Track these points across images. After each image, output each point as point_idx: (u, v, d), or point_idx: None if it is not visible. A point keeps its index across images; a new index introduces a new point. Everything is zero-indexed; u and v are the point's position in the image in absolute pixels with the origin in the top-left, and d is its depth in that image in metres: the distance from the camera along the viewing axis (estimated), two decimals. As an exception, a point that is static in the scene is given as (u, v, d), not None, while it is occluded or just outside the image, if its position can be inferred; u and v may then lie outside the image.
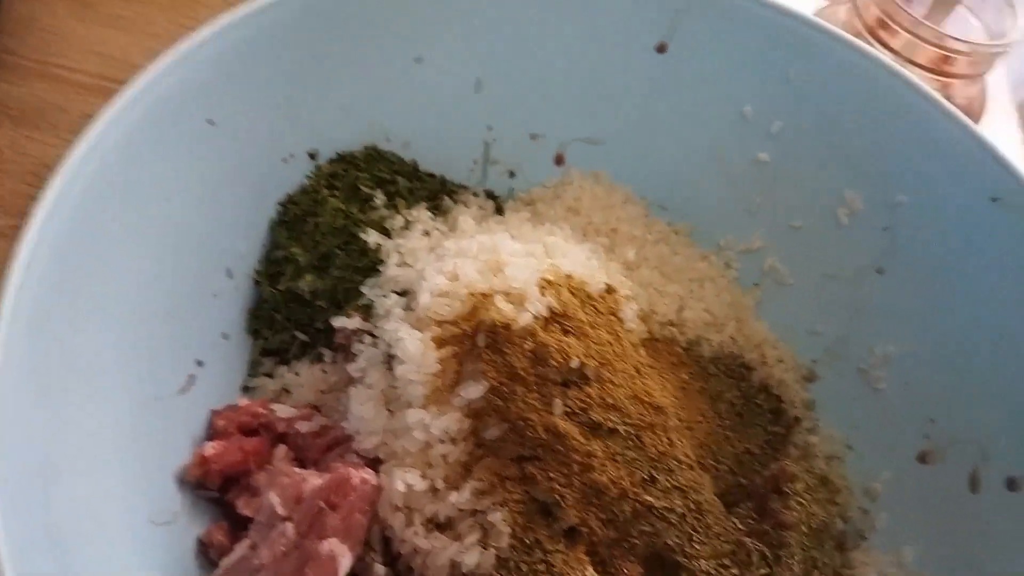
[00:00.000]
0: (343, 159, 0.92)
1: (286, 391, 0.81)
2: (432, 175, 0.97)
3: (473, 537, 0.64)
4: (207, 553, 0.70)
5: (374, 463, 0.70)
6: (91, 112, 1.14)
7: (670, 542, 0.66)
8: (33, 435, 0.57)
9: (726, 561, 0.68)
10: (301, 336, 0.83)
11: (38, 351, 0.59)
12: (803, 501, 0.72)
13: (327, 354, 0.82)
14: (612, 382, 0.69)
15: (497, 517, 0.64)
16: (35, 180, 1.03)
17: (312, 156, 0.91)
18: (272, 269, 0.85)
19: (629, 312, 0.77)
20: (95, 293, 0.67)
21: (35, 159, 1.04)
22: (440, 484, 0.66)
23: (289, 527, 0.62)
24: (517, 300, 0.72)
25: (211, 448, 0.71)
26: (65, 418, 0.61)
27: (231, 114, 0.80)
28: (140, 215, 0.72)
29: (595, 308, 0.74)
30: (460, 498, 0.65)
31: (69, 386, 0.62)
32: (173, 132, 0.75)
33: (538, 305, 0.70)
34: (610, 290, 0.77)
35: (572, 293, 0.73)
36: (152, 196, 0.74)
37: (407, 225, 0.88)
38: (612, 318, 0.74)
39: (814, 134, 0.94)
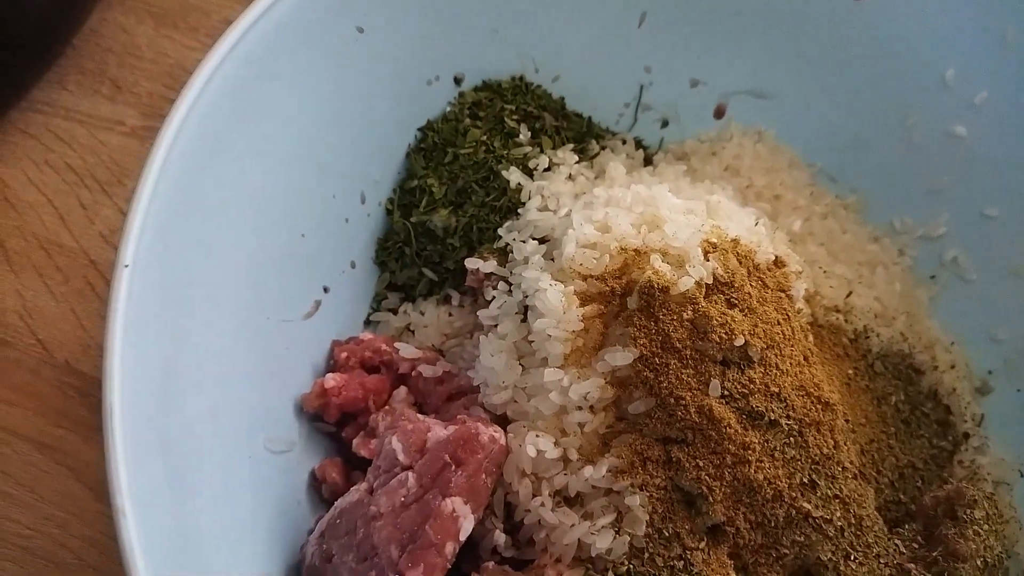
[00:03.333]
0: (488, 87, 0.85)
1: (409, 330, 0.77)
2: (579, 115, 0.89)
3: (606, 519, 0.58)
4: (319, 488, 0.66)
5: (501, 420, 0.64)
6: (232, 17, 1.11)
7: (823, 557, 0.59)
8: (158, 345, 0.54)
9: (885, 587, 0.60)
10: (429, 274, 0.78)
11: (167, 259, 0.56)
12: (981, 532, 0.63)
13: (455, 296, 0.77)
14: (778, 368, 0.61)
15: (635, 501, 0.58)
16: (172, 82, 1.00)
17: (457, 81, 0.84)
18: (405, 199, 0.80)
19: (799, 290, 0.68)
20: (227, 203, 0.63)
21: (173, 61, 1.01)
22: (574, 455, 0.60)
23: (411, 477, 0.57)
24: (676, 261, 0.64)
25: (332, 380, 0.67)
26: (190, 330, 0.58)
27: (381, 24, 0.74)
28: (277, 125, 0.68)
29: (762, 281, 0.65)
30: (595, 474, 0.59)
31: (196, 298, 0.59)
32: (318, 37, 0.70)
33: (701, 269, 0.62)
34: (779, 263, 0.68)
35: (739, 261, 0.65)
36: (290, 106, 0.69)
37: (551, 166, 0.81)
38: (781, 295, 0.65)
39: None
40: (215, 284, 0.61)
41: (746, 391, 0.59)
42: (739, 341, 0.60)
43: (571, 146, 0.84)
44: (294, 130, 0.70)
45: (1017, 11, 0.79)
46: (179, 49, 1.02)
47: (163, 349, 0.54)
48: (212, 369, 0.59)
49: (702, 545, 0.58)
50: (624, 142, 0.88)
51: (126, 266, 0.50)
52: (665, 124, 0.92)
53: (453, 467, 0.57)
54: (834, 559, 0.59)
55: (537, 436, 0.60)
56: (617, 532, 0.58)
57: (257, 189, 0.66)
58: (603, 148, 0.86)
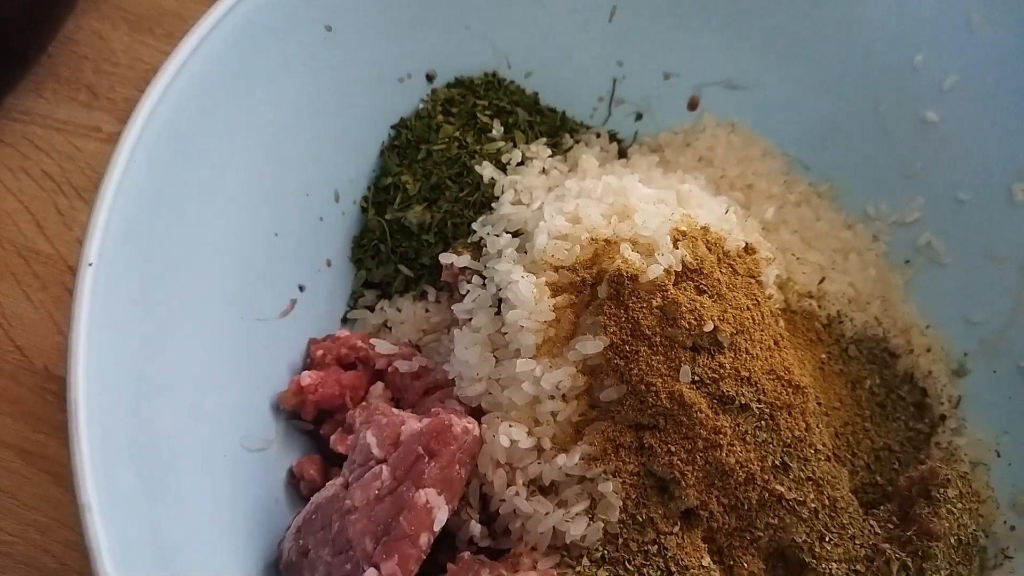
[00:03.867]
0: (461, 84, 0.86)
1: (386, 327, 0.77)
2: (553, 110, 0.89)
3: (580, 506, 0.58)
4: (297, 486, 0.67)
5: (475, 412, 0.64)
6: (207, 21, 1.10)
7: (798, 539, 0.59)
8: (125, 344, 0.54)
9: (859, 567, 0.60)
10: (405, 270, 0.78)
11: (134, 258, 0.56)
12: (954, 510, 0.63)
13: (431, 292, 0.77)
14: (748, 352, 0.61)
15: (608, 488, 0.58)
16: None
17: (430, 78, 0.84)
18: (380, 196, 0.80)
19: (769, 276, 0.68)
20: (197, 201, 0.63)
21: (149, 66, 1.01)
22: (547, 444, 0.61)
23: (385, 470, 0.57)
24: (646, 250, 0.64)
25: (308, 377, 0.67)
26: (160, 329, 0.58)
27: (350, 22, 0.74)
28: (246, 123, 0.68)
29: (732, 268, 0.66)
30: (568, 462, 0.59)
31: (166, 297, 0.59)
32: (287, 35, 0.70)
33: (670, 257, 0.62)
34: (749, 249, 0.68)
35: (708, 248, 0.65)
36: (259, 104, 0.69)
37: (524, 161, 0.81)
38: (751, 280, 0.66)
39: (994, 94, 0.82)
40: (186, 283, 0.61)
41: (716, 376, 0.60)
42: (708, 327, 0.60)
43: (544, 140, 0.84)
44: (264, 129, 0.70)
45: (983, -4, 0.79)
46: (154, 54, 1.02)
47: (131, 348, 0.54)
48: (185, 369, 0.59)
49: (676, 529, 0.58)
50: (598, 135, 0.88)
51: (90, 264, 0.50)
52: (639, 117, 0.93)
53: (426, 459, 0.57)
54: (809, 540, 0.60)
55: (510, 426, 0.60)
56: (591, 519, 0.58)
57: (228, 188, 0.66)
58: (577, 142, 0.87)
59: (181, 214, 0.61)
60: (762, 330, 0.63)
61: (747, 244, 0.69)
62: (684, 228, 0.66)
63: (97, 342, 0.50)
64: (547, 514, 0.58)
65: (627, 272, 0.61)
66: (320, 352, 0.71)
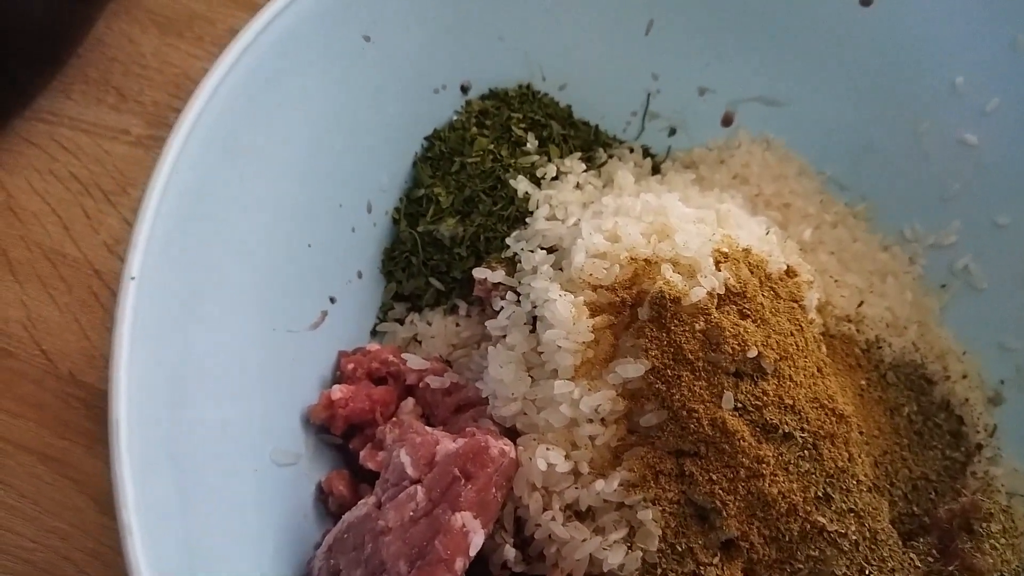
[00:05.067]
0: (495, 96, 0.85)
1: (416, 340, 0.76)
2: (586, 123, 0.88)
3: (618, 534, 0.57)
4: (326, 501, 0.66)
5: (510, 433, 0.63)
6: (237, 26, 1.10)
7: (838, 572, 0.58)
8: (164, 357, 0.54)
9: (901, 602, 0.59)
10: (436, 284, 0.77)
11: (173, 270, 0.55)
12: (997, 545, 0.62)
13: (462, 306, 0.76)
14: (792, 380, 0.60)
15: (647, 515, 0.57)
16: (177, 91, 1.00)
17: (464, 89, 0.83)
18: (412, 208, 0.79)
19: (812, 300, 0.67)
20: (234, 213, 0.63)
21: (178, 70, 1.01)
22: (585, 468, 0.59)
23: (420, 491, 0.56)
24: (688, 271, 0.63)
25: (338, 391, 0.66)
26: (196, 342, 0.57)
27: (388, 32, 0.73)
28: (283, 135, 0.67)
29: (774, 291, 0.64)
30: (607, 488, 0.58)
31: (203, 309, 0.59)
32: (326, 45, 0.69)
33: (713, 280, 0.61)
34: (791, 272, 0.67)
35: (750, 271, 0.64)
36: (296, 115, 0.69)
37: (558, 175, 0.80)
38: (794, 305, 0.65)
39: (1037, 118, 0.80)
40: (222, 295, 0.60)
41: (760, 403, 0.59)
42: (752, 352, 0.59)
43: (578, 154, 0.83)
44: (300, 140, 0.69)
45: (1030, 18, 0.78)
46: (184, 58, 1.02)
47: (169, 361, 0.54)
48: (219, 381, 0.59)
49: (716, 560, 0.57)
50: (632, 150, 0.87)
51: (132, 278, 0.50)
52: (673, 132, 0.92)
53: (463, 481, 0.56)
54: (849, 573, 0.58)
55: (548, 449, 0.59)
56: (629, 547, 0.57)
57: (263, 199, 0.65)
58: (611, 156, 0.86)
59: (219, 226, 0.60)
60: (805, 356, 0.62)
61: (788, 266, 0.67)
62: (726, 249, 0.65)
63: (139, 358, 0.49)
64: (584, 541, 0.57)
65: (669, 294, 0.60)
66: (351, 366, 0.70)
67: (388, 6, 0.72)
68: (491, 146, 0.80)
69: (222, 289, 0.60)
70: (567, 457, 0.59)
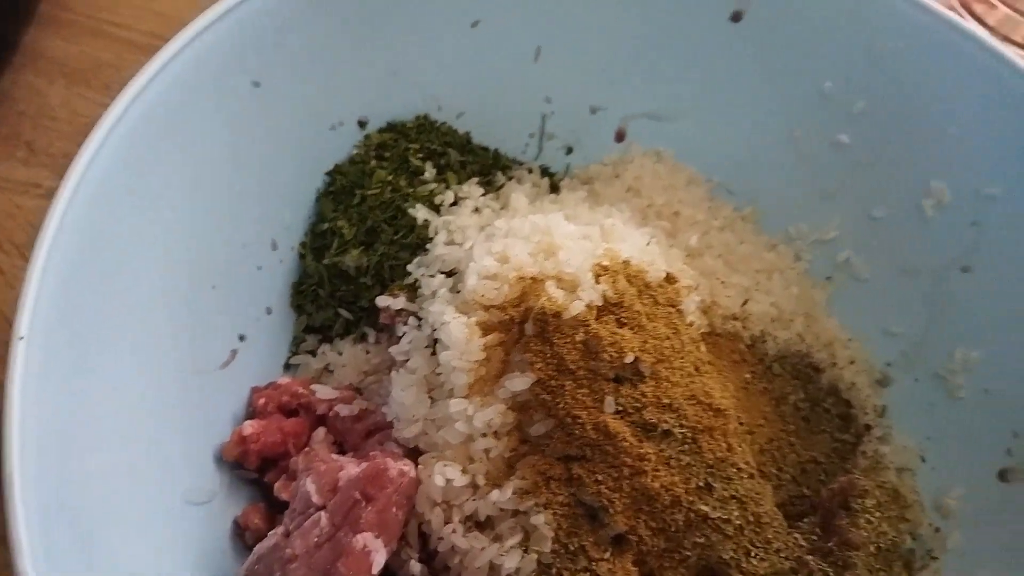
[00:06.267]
0: (393, 128, 0.88)
1: (328, 370, 0.79)
2: (485, 148, 0.92)
3: (514, 539, 0.60)
4: (243, 536, 0.68)
5: (414, 453, 0.66)
6: (144, 73, 1.11)
7: (725, 556, 0.62)
8: (57, 407, 0.55)
9: (785, 579, 0.63)
10: (345, 314, 0.80)
11: (67, 324, 0.57)
12: (872, 519, 0.66)
13: (371, 334, 0.79)
14: (669, 380, 0.64)
15: (540, 519, 0.60)
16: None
17: (362, 124, 0.87)
18: (317, 242, 0.82)
19: (690, 304, 0.72)
20: (133, 258, 0.65)
21: (87, 119, 1.02)
22: (481, 480, 0.63)
23: (324, 517, 0.59)
24: (569, 286, 0.67)
25: (250, 427, 0.69)
26: (94, 391, 0.59)
27: (278, 77, 0.76)
28: (182, 178, 0.70)
29: (653, 298, 0.69)
30: (502, 497, 0.61)
31: (100, 358, 0.60)
32: (216, 93, 0.72)
33: (592, 293, 0.65)
34: (670, 279, 0.72)
35: (629, 281, 0.68)
36: (195, 159, 0.71)
37: (457, 201, 0.84)
38: (671, 310, 0.69)
39: (900, 117, 0.86)
40: (122, 342, 0.62)
41: (639, 405, 0.63)
42: (629, 358, 0.63)
43: (476, 180, 0.87)
44: (197, 184, 0.71)
45: (884, 28, 0.84)
46: (92, 107, 1.03)
47: (63, 413, 0.55)
48: (121, 428, 0.60)
49: (607, 555, 0.61)
50: (530, 171, 0.92)
51: (21, 338, 0.52)
52: (570, 151, 0.96)
53: (363, 503, 0.59)
54: (735, 556, 0.62)
55: (445, 465, 0.62)
56: (525, 551, 0.60)
57: (163, 246, 0.67)
58: (510, 179, 0.89)
59: (116, 274, 0.62)
60: (682, 357, 0.66)
61: (668, 274, 0.72)
62: (606, 263, 0.69)
63: (30, 414, 0.51)
64: (483, 549, 0.60)
65: (550, 309, 0.64)
66: (262, 400, 0.72)
67: (276, 53, 0.75)
68: (390, 177, 0.83)
69: (119, 339, 0.62)
70: (464, 471, 0.63)
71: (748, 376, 0.75)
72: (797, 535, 0.66)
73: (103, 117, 0.63)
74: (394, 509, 0.60)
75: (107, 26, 1.09)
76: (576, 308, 0.64)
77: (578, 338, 0.63)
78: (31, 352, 0.52)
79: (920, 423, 0.84)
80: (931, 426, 0.83)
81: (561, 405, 0.62)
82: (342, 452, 0.70)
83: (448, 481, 0.62)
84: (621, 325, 0.65)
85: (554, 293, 0.66)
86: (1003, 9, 1.02)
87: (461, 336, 0.66)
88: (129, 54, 1.07)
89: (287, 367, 0.80)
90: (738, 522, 0.63)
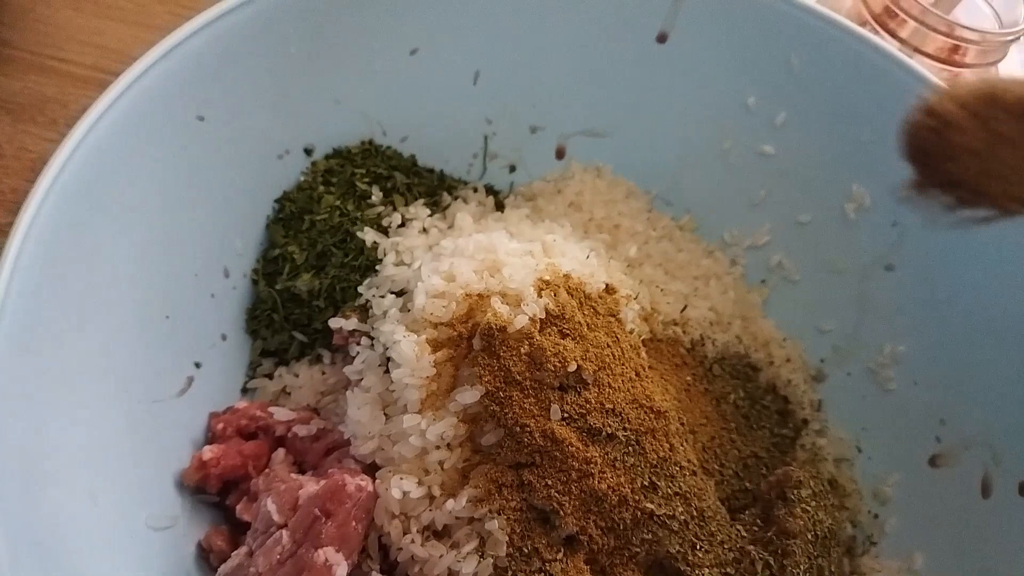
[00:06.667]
0: (339, 154, 0.91)
1: (286, 392, 0.80)
2: (431, 170, 0.95)
3: (470, 545, 0.63)
4: (207, 559, 0.69)
5: (371, 469, 0.69)
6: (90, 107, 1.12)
7: (672, 550, 0.65)
8: (17, 441, 0.56)
9: (729, 570, 0.67)
10: (300, 336, 0.82)
11: (24, 352, 0.58)
12: (808, 508, 0.71)
13: (326, 355, 0.81)
14: (611, 386, 0.67)
15: (494, 525, 0.63)
16: (35, 177, 1.01)
17: (308, 152, 0.89)
18: (269, 268, 0.84)
19: (629, 313, 0.75)
20: (87, 293, 0.66)
21: (35, 155, 1.03)
22: (437, 491, 0.65)
23: (285, 535, 0.61)
24: (513, 301, 0.70)
25: (209, 452, 0.70)
26: (52, 422, 0.60)
27: (222, 110, 0.78)
28: (132, 212, 0.71)
29: (594, 309, 0.72)
30: (457, 506, 0.64)
31: (59, 388, 0.61)
32: (162, 128, 0.73)
33: (534, 307, 0.69)
34: (610, 290, 0.75)
35: (570, 293, 0.71)
36: (144, 193, 0.72)
37: (404, 222, 0.86)
38: (611, 319, 0.72)
39: (819, 126, 0.91)
40: (79, 375, 0.63)
41: (583, 411, 0.66)
42: (572, 367, 0.66)
43: (423, 201, 0.89)
44: (149, 217, 0.73)
45: (799, 43, 0.89)
46: (39, 143, 1.03)
47: (22, 450, 0.56)
48: (81, 459, 0.61)
49: (560, 556, 0.64)
50: (475, 190, 0.95)
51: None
52: (513, 169, 1.00)
53: (323, 519, 0.61)
54: (682, 550, 0.66)
55: (401, 479, 0.65)
56: (481, 556, 0.63)
57: (117, 279, 0.68)
58: (456, 198, 0.92)
59: (73, 309, 0.63)
60: (623, 364, 0.70)
61: (607, 285, 0.75)
62: (548, 277, 0.72)
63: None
64: (441, 557, 0.63)
65: (496, 324, 0.67)
66: (220, 425, 0.74)
67: (217, 86, 0.77)
68: (338, 202, 0.86)
69: (78, 370, 0.63)
70: (420, 483, 0.65)
71: (689, 378, 0.79)
72: (739, 527, 0.70)
73: (54, 154, 0.65)
74: (354, 523, 0.62)
75: (50, 61, 1.10)
76: (520, 322, 0.67)
77: (523, 350, 0.66)
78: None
79: (855, 415, 0.88)
80: (865, 418, 0.88)
81: (510, 415, 0.65)
82: (302, 471, 0.72)
83: (405, 493, 0.64)
84: (563, 336, 0.68)
85: (499, 308, 0.69)
86: (912, 23, 1.08)
87: (412, 354, 0.69)
88: (74, 88, 1.08)
89: (244, 391, 0.82)
90: (683, 517, 0.66)
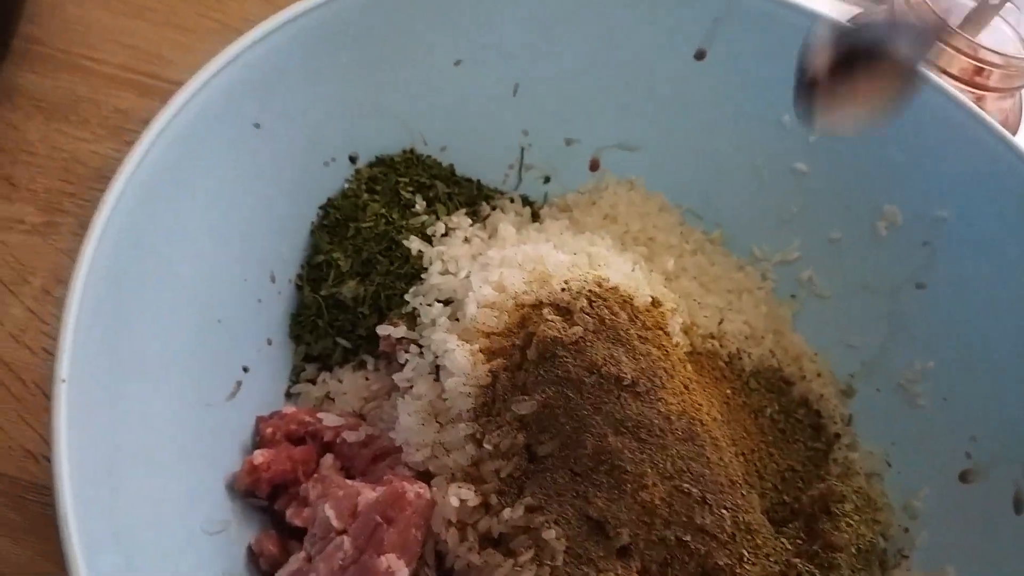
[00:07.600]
0: (382, 162, 0.92)
1: (329, 398, 0.81)
2: (469, 179, 0.96)
3: (528, 555, 0.64)
4: (257, 562, 0.70)
5: (423, 476, 0.70)
6: (122, 107, 1.13)
7: (720, 562, 0.67)
8: (100, 437, 0.58)
9: (775, 581, 0.68)
10: (343, 343, 0.83)
11: (101, 364, 0.59)
12: (852, 522, 0.72)
13: (370, 361, 0.82)
14: (663, 399, 0.69)
15: (551, 534, 0.64)
16: (68, 176, 1.02)
17: (353, 159, 0.90)
18: (313, 274, 0.85)
19: (674, 326, 0.77)
20: (155, 299, 0.67)
21: (68, 154, 1.03)
22: (493, 500, 0.66)
23: (346, 541, 0.62)
24: (566, 312, 0.71)
25: (260, 456, 0.71)
26: (128, 422, 0.61)
27: (277, 117, 0.79)
28: (190, 221, 0.72)
29: (643, 322, 0.73)
30: (514, 514, 0.65)
31: (130, 391, 0.63)
32: (221, 136, 0.74)
33: (587, 318, 0.70)
34: (655, 303, 0.77)
35: (620, 306, 0.73)
36: (200, 201, 0.73)
37: (448, 232, 0.87)
38: (660, 332, 0.74)
39: (852, 145, 0.93)
40: (145, 381, 0.64)
41: (637, 422, 0.67)
42: (627, 379, 0.68)
43: (464, 210, 0.91)
44: (206, 224, 0.73)
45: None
46: (72, 142, 1.04)
47: (107, 443, 0.58)
48: (148, 461, 0.62)
49: (613, 566, 0.65)
50: (512, 200, 0.96)
51: (63, 381, 0.54)
52: (547, 180, 1.01)
53: (384, 526, 0.62)
54: (730, 562, 0.67)
55: (459, 487, 0.66)
56: (538, 565, 0.64)
57: (174, 286, 0.69)
58: (494, 208, 0.94)
59: (140, 315, 0.64)
60: (673, 377, 0.71)
61: (653, 298, 0.77)
62: (597, 289, 0.74)
63: (76, 451, 0.53)
64: (499, 565, 0.64)
65: (551, 335, 0.68)
66: (269, 430, 0.74)
67: (274, 94, 0.78)
68: (383, 210, 0.87)
69: (144, 377, 0.64)
70: (476, 492, 0.66)
71: (729, 392, 0.81)
72: (784, 540, 0.71)
73: (121, 165, 0.65)
74: (413, 530, 0.63)
75: (82, 60, 1.10)
76: (575, 333, 0.68)
77: (579, 361, 0.68)
78: (72, 392, 0.54)
79: (885, 430, 0.90)
80: (895, 433, 0.89)
81: (566, 425, 0.66)
82: (350, 477, 0.73)
83: (462, 502, 0.65)
84: (617, 347, 0.69)
85: (552, 319, 0.70)
86: (938, 45, 1.11)
87: (466, 363, 0.70)
88: (105, 88, 1.08)
89: (288, 396, 0.83)
90: (731, 530, 0.68)
